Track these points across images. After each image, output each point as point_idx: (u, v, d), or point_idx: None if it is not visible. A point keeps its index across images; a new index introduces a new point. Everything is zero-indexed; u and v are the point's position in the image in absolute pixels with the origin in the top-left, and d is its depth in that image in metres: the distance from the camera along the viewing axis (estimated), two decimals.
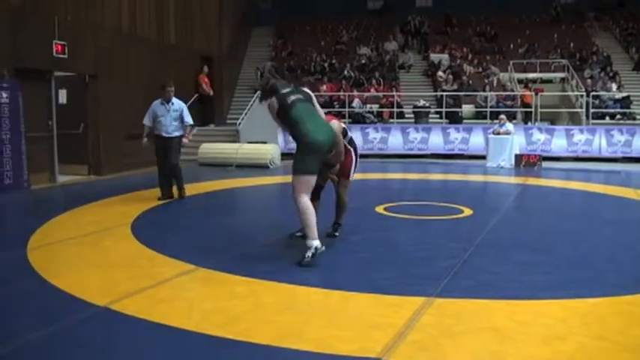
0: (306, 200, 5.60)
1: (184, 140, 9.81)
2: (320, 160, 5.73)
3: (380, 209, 8.75)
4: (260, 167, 14.72)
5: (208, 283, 5.13)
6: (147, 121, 9.65)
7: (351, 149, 6.91)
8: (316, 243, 5.51)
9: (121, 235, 7.05)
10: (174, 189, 9.80)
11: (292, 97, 5.73)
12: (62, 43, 12.31)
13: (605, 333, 3.98)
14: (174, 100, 9.62)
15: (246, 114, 17.60)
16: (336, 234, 6.86)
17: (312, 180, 5.67)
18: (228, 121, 19.58)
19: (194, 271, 5.44)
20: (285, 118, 5.71)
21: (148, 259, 5.90)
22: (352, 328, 4.03)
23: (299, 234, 6.49)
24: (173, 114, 9.55)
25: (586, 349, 3.71)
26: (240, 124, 17.48)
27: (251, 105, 17.67)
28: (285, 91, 5.80)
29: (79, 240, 6.86)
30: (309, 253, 5.48)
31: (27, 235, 6.96)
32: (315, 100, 6.05)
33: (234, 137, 17.26)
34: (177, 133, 9.61)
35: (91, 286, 4.95)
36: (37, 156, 11.70)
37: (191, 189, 10.55)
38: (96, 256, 6.14)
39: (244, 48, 23.63)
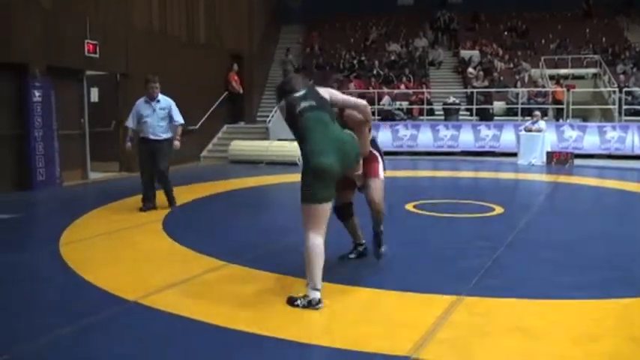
0: (314, 239, 4.45)
1: (175, 143, 8.60)
2: (333, 183, 4.61)
3: (410, 207, 8.71)
4: (290, 164, 14.75)
5: (238, 279, 5.15)
6: (130, 122, 8.55)
7: (376, 152, 5.73)
8: (317, 295, 4.34)
9: (152, 231, 7.13)
10: (161, 198, 8.75)
11: (303, 104, 4.60)
12: (94, 42, 12.47)
13: (639, 334, 3.90)
14: (161, 97, 8.53)
15: (275, 111, 17.65)
16: (382, 249, 5.61)
17: (323, 210, 4.52)
18: (258, 119, 19.67)
19: (224, 267, 5.47)
20: (292, 128, 4.71)
21: (179, 255, 5.96)
22: (382, 325, 4.01)
23: (352, 255, 5.79)
24: (160, 113, 8.42)
25: (618, 351, 3.65)
26: (269, 121, 17.55)
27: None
28: (298, 94, 4.66)
29: (110, 236, 6.95)
30: (303, 302, 4.34)
31: (59, 230, 7.07)
32: (334, 100, 4.88)
33: (264, 135, 17.33)
34: (165, 135, 8.47)
35: (122, 281, 5.01)
36: (69, 153, 11.89)
37: (222, 186, 10.63)
38: (127, 251, 6.22)
39: (274, 46, 23.69)
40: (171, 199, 8.74)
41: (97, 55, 12.56)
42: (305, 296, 4.34)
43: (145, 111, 8.41)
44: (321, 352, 3.62)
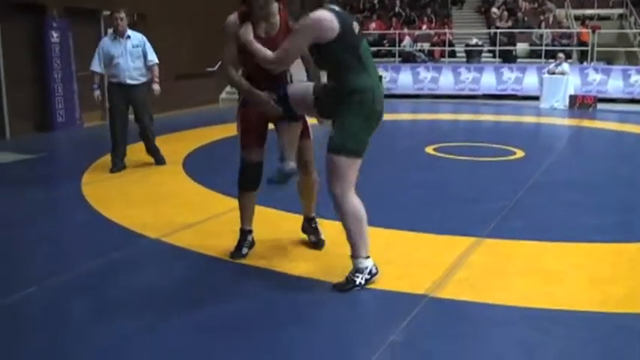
0: (354, 199, 3.70)
1: (155, 87, 7.41)
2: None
3: (430, 150, 8.66)
4: None
5: (258, 218, 5.16)
6: (96, 66, 7.25)
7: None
8: (370, 264, 3.70)
9: (172, 171, 7.17)
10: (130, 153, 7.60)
11: (356, 25, 3.64)
12: None
13: None
14: (131, 32, 7.30)
15: None
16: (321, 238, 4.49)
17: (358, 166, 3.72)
18: None
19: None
20: (344, 54, 3.53)
21: (199, 195, 6.00)
22: (401, 265, 4.04)
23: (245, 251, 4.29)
24: (134, 51, 7.20)
25: (635, 294, 3.64)
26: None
27: None
28: (341, 10, 3.70)
29: (131, 176, 7.00)
30: (363, 278, 3.65)
31: (81, 170, 7.14)
32: None
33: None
34: (143, 79, 7.31)
35: (144, 220, 5.07)
36: (89, 95, 11.86)
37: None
38: (148, 191, 6.27)
39: None
40: (159, 157, 7.57)
41: None
42: (357, 270, 3.67)
43: (115, 50, 7.13)
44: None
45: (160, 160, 7.56)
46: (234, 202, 5.57)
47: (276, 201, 5.13)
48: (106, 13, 12.43)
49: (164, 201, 5.84)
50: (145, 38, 7.42)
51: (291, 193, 4.38)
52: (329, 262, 4.08)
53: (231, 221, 4.91)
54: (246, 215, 4.32)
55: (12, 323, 3.26)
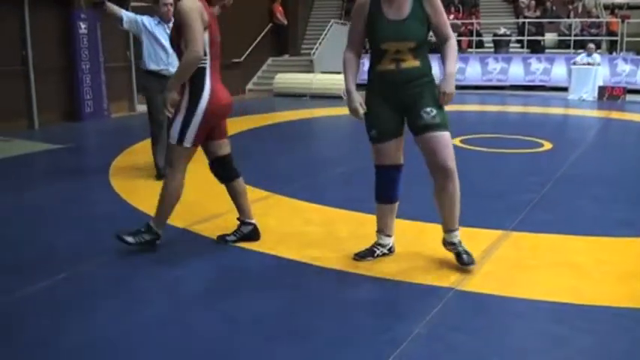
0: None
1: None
2: None
3: (456, 142, 8.58)
4: (334, 98, 14.63)
5: (283, 209, 5.21)
6: (122, 10, 6.60)
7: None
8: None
9: (197, 161, 7.12)
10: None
11: None
12: None
13: None
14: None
15: (320, 43, 17.43)
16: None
17: None
18: (303, 51, 19.46)
19: (268, 197, 5.53)
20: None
21: (215, 187, 6.00)
22: (426, 258, 4.04)
23: (232, 238, 4.37)
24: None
25: None
26: (314, 53, 17.36)
27: (325, 34, 17.47)
28: None
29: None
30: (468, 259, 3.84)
31: (109, 160, 7.22)
32: None
33: (309, 67, 17.18)
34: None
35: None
36: (116, 86, 12.00)
37: (266, 119, 10.64)
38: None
39: None
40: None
41: None
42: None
43: (159, 33, 6.40)
44: (366, 282, 3.66)
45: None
46: (258, 192, 5.63)
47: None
48: (135, 4, 12.54)
49: (190, 191, 5.81)
50: None
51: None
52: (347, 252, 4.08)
53: (255, 212, 4.94)
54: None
55: (46, 307, 3.32)
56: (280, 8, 18.17)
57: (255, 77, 17.71)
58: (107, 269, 3.91)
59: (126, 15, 6.48)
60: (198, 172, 6.68)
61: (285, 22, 18.38)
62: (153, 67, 6.35)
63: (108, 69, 11.61)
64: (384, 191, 4.05)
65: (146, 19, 6.45)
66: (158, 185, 6.08)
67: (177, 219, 4.82)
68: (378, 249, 4.01)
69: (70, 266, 3.89)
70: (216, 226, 4.73)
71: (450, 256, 3.98)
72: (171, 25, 5.85)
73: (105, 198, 5.70)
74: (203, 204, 5.36)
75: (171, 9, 6.15)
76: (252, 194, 5.57)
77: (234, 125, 10.05)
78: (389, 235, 4.05)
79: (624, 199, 5.62)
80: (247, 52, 16.40)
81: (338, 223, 4.79)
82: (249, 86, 17.32)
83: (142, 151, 7.92)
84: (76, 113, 11.10)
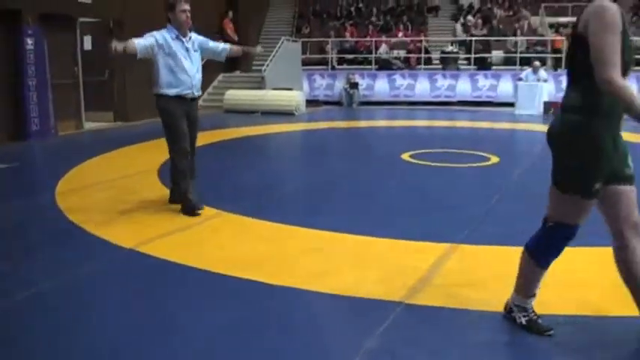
0: None
1: (258, 49, 6.38)
2: None
3: (406, 156, 8.70)
4: (285, 114, 14.66)
5: (234, 227, 5.17)
6: (135, 42, 5.42)
7: None
8: None
9: (147, 180, 7.13)
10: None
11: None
12: None
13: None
14: (193, 33, 5.77)
15: (271, 60, 17.46)
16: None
17: None
18: (254, 68, 19.46)
19: (220, 215, 5.48)
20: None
21: (174, 204, 5.95)
22: (376, 272, 4.05)
23: None
24: (197, 56, 5.71)
25: (611, 296, 3.69)
26: (265, 70, 17.37)
27: (277, 51, 17.51)
28: None
29: (106, 185, 6.94)
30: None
31: (55, 179, 7.06)
32: None
33: (260, 84, 17.18)
34: (200, 92, 5.91)
35: (118, 230, 5.03)
36: (63, 103, 11.78)
37: (217, 135, 10.58)
38: (123, 200, 6.21)
39: None
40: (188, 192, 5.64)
41: (90, 1, 12.32)
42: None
43: (179, 51, 5.53)
44: (316, 298, 3.65)
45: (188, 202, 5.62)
46: (209, 211, 5.57)
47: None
48: (83, 20, 12.36)
49: (139, 210, 5.79)
50: (202, 37, 5.90)
51: None
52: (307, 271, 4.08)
53: (206, 230, 4.91)
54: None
55: None
56: (231, 24, 18.15)
57: (206, 93, 17.59)
58: (47, 294, 3.79)
59: (139, 48, 5.41)
60: (145, 191, 6.62)
61: (236, 39, 18.33)
62: (173, 91, 5.50)
63: (55, 86, 11.39)
64: (556, 255, 3.37)
65: (160, 37, 5.47)
66: (106, 204, 6.02)
67: (125, 239, 4.75)
68: (531, 314, 3.29)
69: (8, 293, 3.76)
70: (164, 245, 4.66)
71: (401, 268, 4.01)
72: (192, 37, 5.66)
73: (52, 219, 5.55)
74: (149, 224, 5.28)
75: (190, 16, 5.57)
76: (204, 212, 5.54)
77: None
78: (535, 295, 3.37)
79: None
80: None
81: (289, 240, 4.78)
82: (200, 102, 17.19)
83: (90, 170, 7.80)
84: (22, 132, 10.83)
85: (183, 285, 3.91)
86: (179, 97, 5.53)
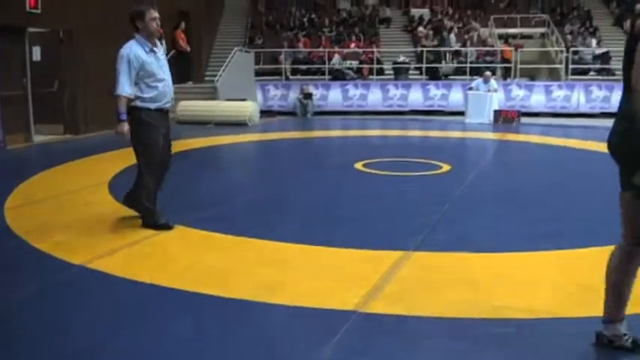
0: None
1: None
2: None
3: (359, 166, 8.76)
4: (239, 125, 14.61)
5: (187, 240, 5.12)
6: (127, 87, 5.15)
7: None
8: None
9: (98, 193, 7.01)
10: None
11: None
12: None
13: (581, 282, 4.04)
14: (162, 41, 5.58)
15: (224, 70, 17.40)
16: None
17: None
18: (207, 78, 19.37)
19: (173, 228, 5.41)
20: None
21: (126, 218, 5.86)
22: (330, 282, 4.06)
23: None
24: (167, 64, 5.50)
25: (561, 298, 3.78)
26: (218, 80, 17.30)
27: (229, 61, 17.47)
28: None
29: (55, 199, 6.80)
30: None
31: (4, 194, 6.88)
32: None
33: (213, 94, 17.09)
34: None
35: (68, 245, 4.92)
36: (12, 115, 11.51)
37: None
38: (73, 214, 6.09)
39: (222, 2, 23.25)
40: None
41: (39, 11, 12.08)
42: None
43: (154, 64, 5.28)
44: (269, 310, 3.64)
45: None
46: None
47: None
48: (32, 30, 12.11)
49: (90, 224, 5.68)
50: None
51: None
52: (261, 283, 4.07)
53: (158, 244, 4.86)
54: None
55: None
56: (183, 35, 18.01)
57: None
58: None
59: (130, 92, 5.18)
60: (96, 206, 6.51)
61: (188, 49, 18.24)
62: (153, 105, 5.27)
63: (3, 98, 11.12)
64: None
65: (133, 56, 5.17)
66: (55, 219, 5.89)
67: (75, 255, 4.66)
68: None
69: None
70: (116, 260, 4.59)
71: (354, 277, 4.03)
72: (163, 48, 5.44)
73: None
74: (100, 239, 5.19)
75: (160, 24, 5.35)
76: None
77: None
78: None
79: (520, 216, 5.89)
80: None
81: (243, 252, 4.75)
82: None
83: (39, 185, 7.63)
84: None
85: (134, 301, 3.84)
86: (159, 110, 5.35)
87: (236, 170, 9.74)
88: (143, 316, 3.59)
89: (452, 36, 19.96)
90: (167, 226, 5.32)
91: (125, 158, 9.08)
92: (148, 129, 5.27)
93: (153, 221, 5.35)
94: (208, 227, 5.36)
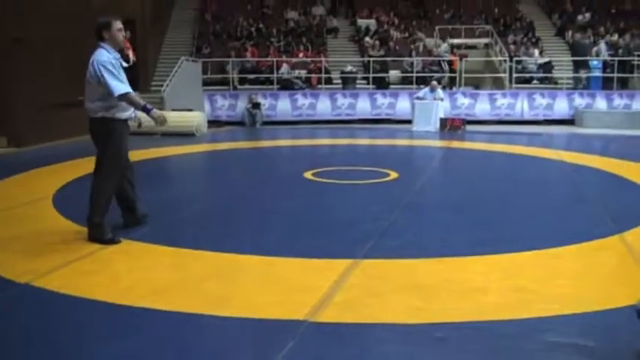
0: None
1: None
2: None
3: (308, 175, 8.77)
4: (186, 135, 14.47)
5: (133, 254, 5.02)
6: (127, 84, 5.34)
7: None
8: None
9: (42, 208, 6.82)
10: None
11: None
12: None
13: (525, 285, 4.13)
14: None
15: (171, 80, 17.21)
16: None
17: None
18: (153, 88, 19.12)
19: (118, 242, 5.30)
20: None
21: (70, 233, 5.71)
22: (279, 292, 4.04)
23: None
24: None
25: (506, 301, 3.85)
26: (164, 90, 17.10)
27: (176, 71, 17.30)
28: None
29: None
30: None
31: None
32: None
33: (159, 104, 16.86)
34: None
35: (11, 263, 4.76)
36: None
37: None
38: (15, 231, 5.90)
39: (169, 11, 23.02)
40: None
41: None
42: None
43: (122, 72, 5.34)
44: (217, 322, 3.60)
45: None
46: None
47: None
48: None
49: (32, 240, 5.50)
50: None
51: None
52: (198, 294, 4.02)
53: (104, 259, 4.75)
54: None
55: None
56: (128, 44, 17.75)
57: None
58: None
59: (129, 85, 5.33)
60: (38, 221, 6.34)
61: (134, 59, 17.98)
62: (124, 115, 5.39)
63: None
64: None
65: (114, 59, 5.27)
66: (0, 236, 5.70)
67: (17, 273, 4.51)
68: None
69: None
70: (61, 277, 4.47)
71: (303, 287, 4.02)
72: (132, 59, 5.23)
73: None
74: (43, 255, 5.05)
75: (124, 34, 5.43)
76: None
77: (84, 166, 9.61)
78: None
79: (466, 222, 5.99)
80: None
81: (191, 265, 4.68)
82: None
83: None
84: None
85: (78, 319, 3.73)
86: (127, 120, 5.44)
87: (183, 182, 9.63)
88: (88, 335, 3.50)
89: (445, 45, 20.22)
90: (113, 241, 5.22)
91: (70, 171, 8.92)
92: (120, 140, 5.37)
93: (100, 236, 5.25)
94: (155, 241, 5.28)
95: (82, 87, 5.45)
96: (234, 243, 5.16)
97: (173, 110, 15.68)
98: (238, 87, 19.21)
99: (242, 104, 17.97)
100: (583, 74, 18.98)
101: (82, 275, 4.47)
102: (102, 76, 5.13)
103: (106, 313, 3.79)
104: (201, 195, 7.84)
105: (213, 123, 16.87)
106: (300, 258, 4.76)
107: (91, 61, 5.24)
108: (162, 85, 17.59)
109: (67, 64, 12.01)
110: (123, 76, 5.25)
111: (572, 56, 20.12)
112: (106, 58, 5.20)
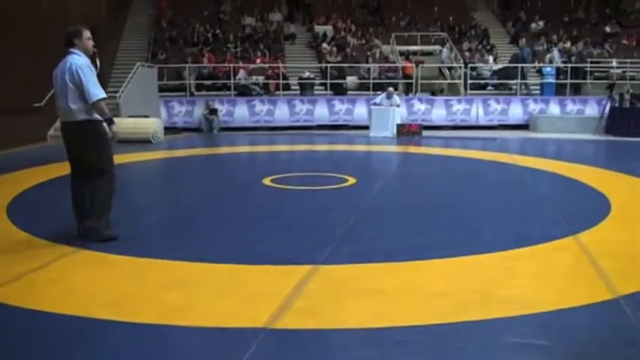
0: None
1: None
2: None
3: (267, 181, 8.77)
4: (142, 142, 14.30)
5: (91, 265, 4.94)
6: (102, 91, 5.48)
7: None
8: None
9: None
10: None
11: None
12: None
13: (483, 287, 4.21)
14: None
15: (126, 86, 17.01)
16: None
17: None
18: (108, 94, 18.79)
19: (75, 253, 5.20)
20: None
21: (25, 243, 5.59)
22: (239, 300, 4.03)
23: None
24: None
25: (465, 303, 3.92)
26: (120, 96, 16.88)
27: (132, 77, 17.09)
28: None
29: None
30: None
31: None
32: None
33: (115, 111, 16.63)
34: None
35: None
36: None
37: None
38: None
39: (124, 17, 22.76)
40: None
41: None
42: None
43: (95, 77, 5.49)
44: (177, 332, 3.57)
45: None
46: (63, 249, 5.26)
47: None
48: None
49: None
50: None
51: None
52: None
53: (61, 270, 4.67)
54: None
55: None
56: (95, 50, 17.48)
57: (58, 122, 16.82)
58: None
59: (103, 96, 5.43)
60: None
61: (99, 65, 17.69)
62: (100, 118, 5.46)
63: None
64: None
65: (90, 64, 5.41)
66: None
67: None
68: None
69: None
70: (16, 289, 4.38)
71: (262, 294, 4.02)
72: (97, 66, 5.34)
73: None
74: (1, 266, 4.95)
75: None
76: (57, 251, 5.25)
77: (39, 174, 9.50)
78: None
79: (424, 226, 6.08)
80: (49, 95, 15.56)
81: (150, 275, 4.62)
82: (51, 132, 16.36)
83: None
84: None
85: (35, 332, 3.64)
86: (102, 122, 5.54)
87: (141, 190, 9.51)
88: (46, 349, 3.43)
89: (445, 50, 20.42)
90: (111, 237, 5.46)
91: (24, 179, 8.73)
92: (107, 139, 5.55)
93: (99, 237, 5.44)
94: (112, 250, 5.20)
95: (40, 94, 5.44)
96: (194, 251, 5.13)
97: (129, 117, 15.52)
98: (195, 93, 19.09)
99: (199, 110, 17.87)
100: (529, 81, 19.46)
101: (38, 287, 4.38)
102: (81, 79, 5.26)
103: (65, 325, 3.72)
104: (160, 203, 7.77)
105: (170, 130, 16.73)
106: (261, 265, 4.75)
107: (67, 66, 5.33)
108: (117, 92, 17.36)
109: (19, 71, 11.76)
110: (97, 81, 5.39)
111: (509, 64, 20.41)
112: (84, 62, 5.36)
